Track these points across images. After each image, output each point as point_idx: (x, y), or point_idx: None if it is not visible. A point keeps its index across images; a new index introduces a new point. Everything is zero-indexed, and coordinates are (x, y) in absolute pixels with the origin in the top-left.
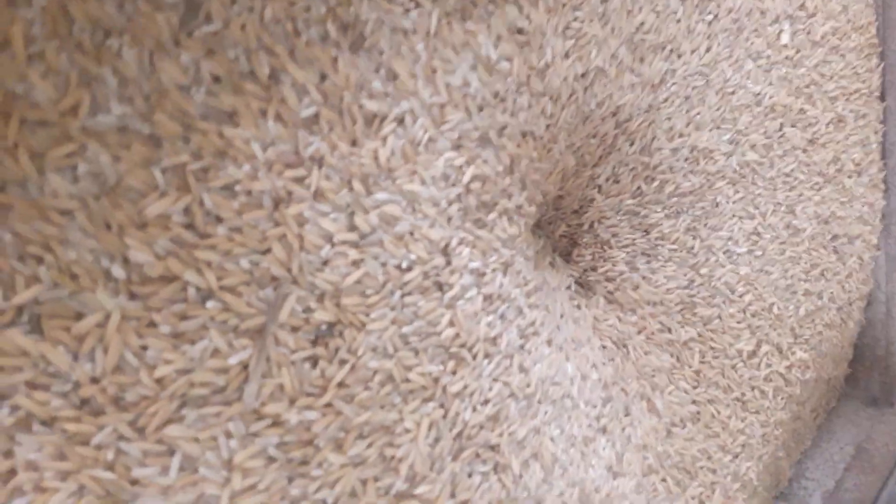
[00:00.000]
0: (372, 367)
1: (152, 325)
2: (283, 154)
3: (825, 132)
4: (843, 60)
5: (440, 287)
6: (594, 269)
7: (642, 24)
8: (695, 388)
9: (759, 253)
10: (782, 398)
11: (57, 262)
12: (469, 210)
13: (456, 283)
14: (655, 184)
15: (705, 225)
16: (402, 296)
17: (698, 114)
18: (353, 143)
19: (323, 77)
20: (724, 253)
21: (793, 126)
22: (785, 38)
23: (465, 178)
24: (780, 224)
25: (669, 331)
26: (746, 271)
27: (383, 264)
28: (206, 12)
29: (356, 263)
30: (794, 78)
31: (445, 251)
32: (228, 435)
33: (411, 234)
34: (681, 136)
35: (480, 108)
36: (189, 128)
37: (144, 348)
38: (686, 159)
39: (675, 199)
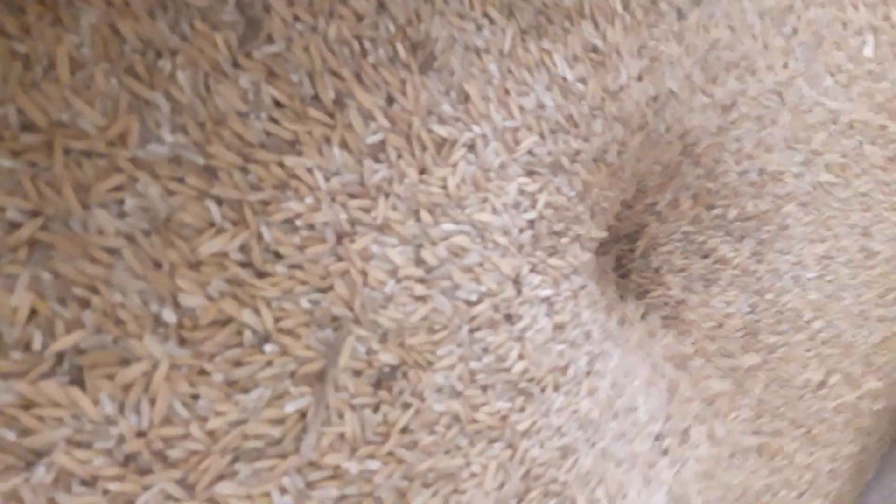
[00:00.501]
0: (437, 410)
1: (204, 372)
2: (349, 184)
3: None
4: None
5: (510, 319)
6: (647, 292)
7: (717, 41)
8: (758, 418)
9: (830, 277)
10: (852, 430)
11: (102, 305)
12: (541, 237)
13: (526, 314)
14: (717, 210)
15: (772, 248)
16: (471, 331)
17: (769, 133)
18: (422, 171)
19: (391, 101)
20: (791, 277)
21: (872, 143)
22: (868, 51)
23: (539, 205)
24: (853, 247)
25: (730, 356)
26: (816, 297)
27: (451, 298)
28: (268, 32)
29: (422, 299)
30: (876, 93)
31: (517, 281)
32: (283, 491)
33: (481, 265)
34: (749, 158)
35: (554, 132)
36: (248, 158)
37: (195, 398)
38: (753, 183)
39: (738, 223)
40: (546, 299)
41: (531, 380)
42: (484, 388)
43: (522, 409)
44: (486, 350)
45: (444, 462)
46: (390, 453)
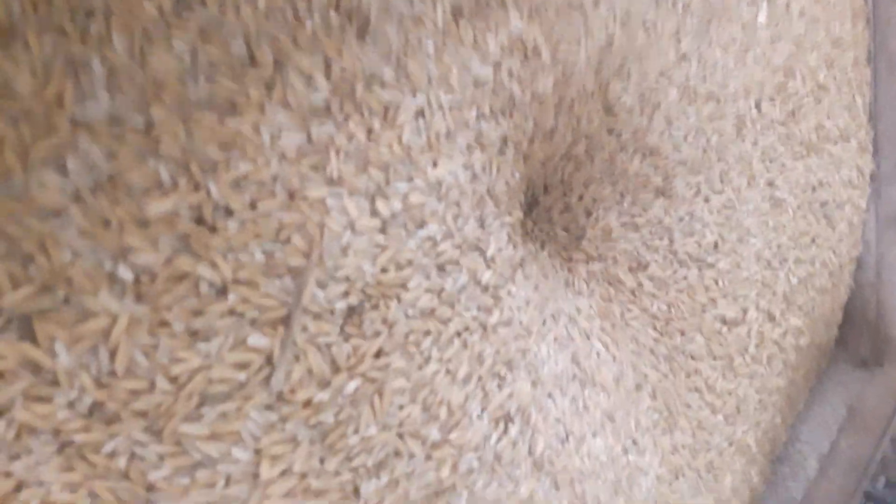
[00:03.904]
0: (407, 330)
1: (164, 324)
2: (296, 143)
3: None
4: (824, 28)
5: (477, 248)
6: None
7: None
8: (673, 351)
9: (733, 225)
10: (779, 364)
11: (50, 263)
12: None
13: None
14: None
15: (672, 205)
16: (438, 266)
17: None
18: (370, 131)
19: (329, 64)
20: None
21: (770, 101)
22: (762, 18)
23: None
24: (758, 196)
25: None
26: (718, 241)
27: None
28: None
29: (383, 246)
30: (773, 55)
31: (480, 220)
32: (253, 427)
33: (436, 213)
34: (635, 139)
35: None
36: (188, 119)
37: (156, 348)
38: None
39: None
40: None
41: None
42: (452, 305)
43: (490, 311)
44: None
45: (418, 374)
46: (363, 375)
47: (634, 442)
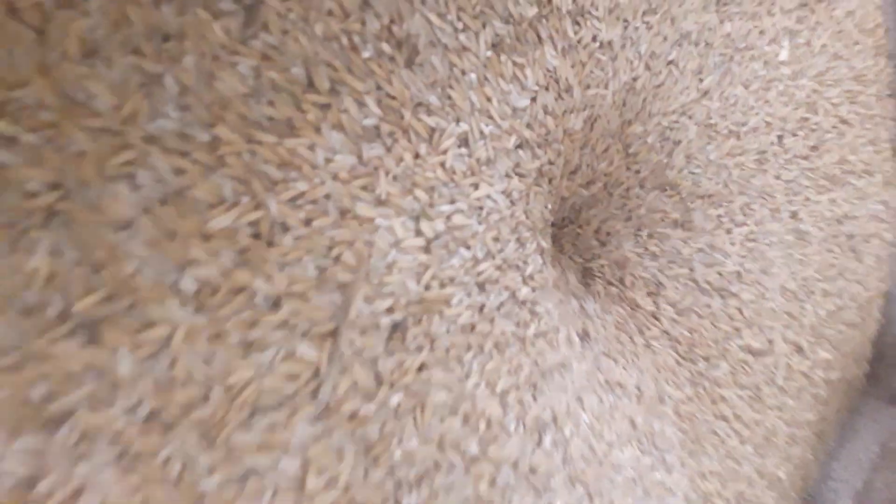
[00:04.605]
0: (448, 345)
1: (221, 335)
2: (348, 164)
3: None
4: (846, 65)
5: (517, 268)
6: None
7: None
8: (698, 376)
9: (755, 256)
10: (808, 398)
11: (118, 272)
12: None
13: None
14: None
15: (693, 233)
16: (478, 284)
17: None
18: (416, 156)
19: (380, 90)
20: (715, 254)
21: (793, 135)
22: (783, 56)
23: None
24: (781, 230)
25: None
26: (741, 271)
27: (458, 257)
28: (264, 22)
29: (425, 265)
30: (795, 90)
31: (519, 240)
32: (300, 438)
33: (476, 235)
34: (653, 174)
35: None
36: (251, 139)
37: (213, 358)
38: (670, 187)
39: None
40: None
41: (533, 302)
42: (492, 320)
43: (527, 325)
44: (495, 290)
45: (459, 387)
46: (407, 388)
47: (662, 459)
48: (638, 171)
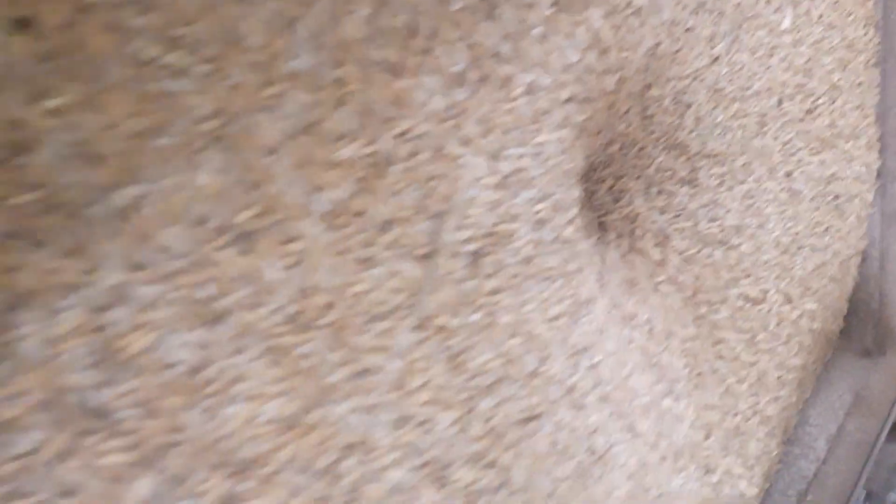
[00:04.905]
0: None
1: (345, 251)
2: (441, 105)
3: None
4: (840, 34)
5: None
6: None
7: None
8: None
9: (754, 212)
10: (795, 345)
11: (268, 191)
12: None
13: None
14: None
15: (700, 193)
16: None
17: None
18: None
19: (467, 38)
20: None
21: (791, 100)
22: (786, 24)
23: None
24: (777, 187)
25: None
26: (741, 224)
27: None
28: None
29: (497, 202)
30: (795, 57)
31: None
32: (403, 344)
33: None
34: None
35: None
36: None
37: (337, 271)
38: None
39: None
40: None
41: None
42: (546, 255)
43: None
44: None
45: (521, 311)
46: (482, 308)
47: (671, 388)
48: (652, 132)
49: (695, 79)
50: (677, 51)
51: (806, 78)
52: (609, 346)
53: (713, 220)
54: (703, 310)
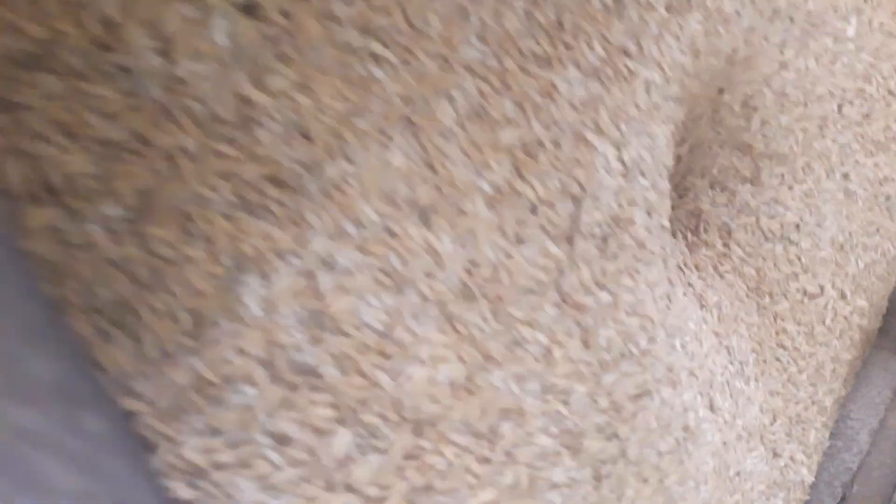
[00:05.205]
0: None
1: (501, 231)
2: (581, 96)
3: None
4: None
5: None
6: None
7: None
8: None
9: (812, 210)
10: (847, 340)
11: (443, 173)
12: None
13: None
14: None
15: (763, 189)
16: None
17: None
18: (622, 92)
19: (602, 36)
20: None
21: (850, 104)
22: (850, 32)
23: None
24: (834, 187)
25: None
26: (800, 222)
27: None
28: None
29: (623, 189)
30: (856, 63)
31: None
32: (548, 318)
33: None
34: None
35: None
36: (524, 69)
37: (497, 246)
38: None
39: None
40: None
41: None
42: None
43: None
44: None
45: (636, 292)
46: (608, 289)
47: (741, 370)
48: (718, 133)
49: (763, 83)
50: (750, 57)
51: (865, 83)
52: (691, 325)
53: (774, 216)
54: (766, 300)
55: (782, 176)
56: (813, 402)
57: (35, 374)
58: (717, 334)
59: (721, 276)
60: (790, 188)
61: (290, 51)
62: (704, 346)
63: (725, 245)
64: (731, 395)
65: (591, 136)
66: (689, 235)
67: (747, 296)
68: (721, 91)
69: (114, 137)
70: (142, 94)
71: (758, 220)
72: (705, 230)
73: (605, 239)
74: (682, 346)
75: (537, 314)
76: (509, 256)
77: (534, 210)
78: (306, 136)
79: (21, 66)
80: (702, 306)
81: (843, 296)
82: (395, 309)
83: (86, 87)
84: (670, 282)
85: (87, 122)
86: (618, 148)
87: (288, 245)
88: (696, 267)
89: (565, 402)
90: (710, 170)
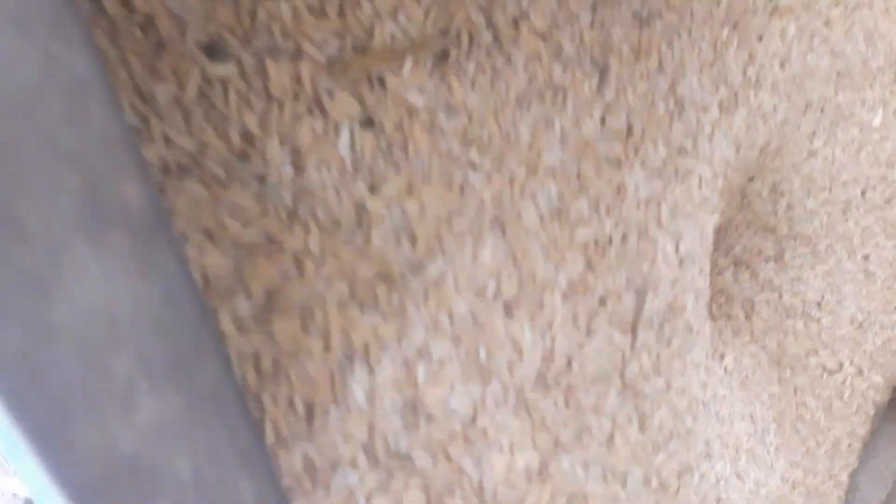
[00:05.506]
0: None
1: (575, 319)
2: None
3: None
4: None
5: None
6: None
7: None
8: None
9: (833, 290)
10: (863, 415)
11: (527, 267)
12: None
13: None
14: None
15: (787, 267)
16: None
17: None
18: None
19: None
20: (800, 283)
21: (873, 189)
22: (876, 122)
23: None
24: (855, 268)
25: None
26: (822, 301)
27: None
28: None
29: (678, 279)
30: (880, 152)
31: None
32: (611, 404)
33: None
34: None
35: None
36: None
37: (569, 340)
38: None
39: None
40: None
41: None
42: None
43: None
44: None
45: (684, 374)
46: (663, 374)
47: (763, 438)
48: (745, 216)
49: (792, 171)
50: (781, 147)
51: (888, 170)
52: (721, 392)
53: (796, 294)
54: (787, 373)
55: (805, 256)
56: (830, 476)
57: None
58: (741, 401)
59: (743, 349)
60: (812, 268)
61: (400, 160)
62: (731, 413)
63: (748, 318)
64: (755, 462)
65: (653, 231)
66: (713, 307)
67: (770, 368)
68: (752, 179)
69: (248, 240)
70: (274, 201)
71: (780, 297)
72: (728, 303)
73: (661, 326)
74: (717, 416)
75: (602, 402)
76: (581, 347)
77: (603, 302)
78: (412, 238)
79: (171, 174)
80: (727, 374)
81: (860, 372)
82: (480, 397)
83: (225, 194)
84: (707, 355)
85: (225, 225)
86: (675, 241)
87: (391, 337)
88: (720, 337)
89: (623, 484)
90: (732, 249)
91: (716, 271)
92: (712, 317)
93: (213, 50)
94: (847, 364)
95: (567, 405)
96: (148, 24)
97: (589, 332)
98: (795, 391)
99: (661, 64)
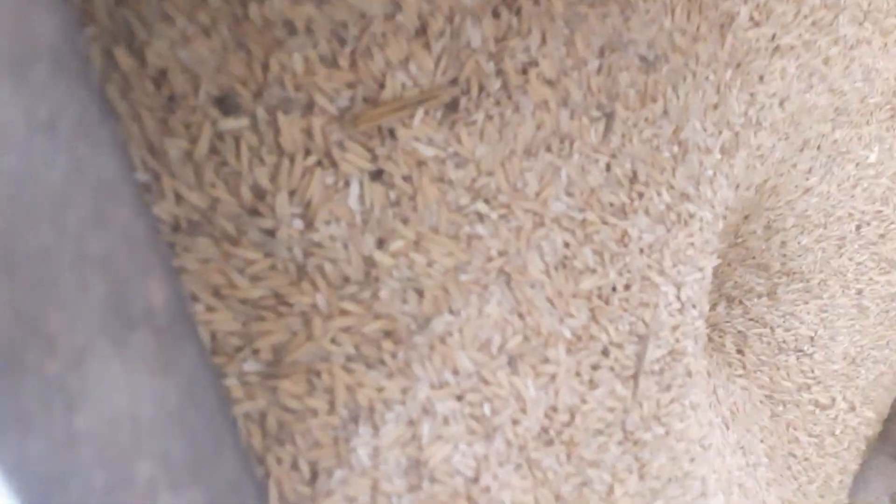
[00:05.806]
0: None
1: (577, 374)
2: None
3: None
4: None
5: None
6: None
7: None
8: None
9: (827, 325)
10: (854, 451)
11: (532, 318)
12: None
13: None
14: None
15: (780, 302)
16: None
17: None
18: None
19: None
20: (794, 320)
21: (868, 225)
22: (872, 158)
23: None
24: (849, 303)
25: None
26: (815, 336)
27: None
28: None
29: (678, 326)
30: (875, 188)
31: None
32: (611, 458)
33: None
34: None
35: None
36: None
37: (574, 394)
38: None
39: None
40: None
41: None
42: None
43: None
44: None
45: (683, 417)
46: (661, 421)
47: (754, 472)
48: (738, 254)
49: (786, 207)
50: (777, 185)
51: (883, 205)
52: (715, 425)
53: (788, 329)
54: (779, 409)
55: (798, 292)
56: None
57: None
58: (733, 433)
59: (735, 381)
60: (805, 303)
61: (409, 212)
62: (725, 446)
63: (740, 352)
64: (746, 496)
65: (655, 278)
66: (707, 342)
67: (762, 402)
68: (746, 217)
69: (256, 297)
70: (283, 256)
71: (773, 332)
72: (720, 338)
73: (661, 372)
74: (711, 450)
75: (603, 455)
76: (584, 401)
77: (605, 353)
78: (419, 293)
79: (181, 231)
80: (719, 405)
81: (852, 408)
82: (484, 455)
83: (235, 250)
84: (705, 396)
85: (234, 282)
86: (677, 286)
87: (396, 395)
88: (713, 371)
89: None
90: (724, 285)
91: (708, 306)
92: (708, 354)
93: (226, 103)
94: (839, 399)
95: (569, 459)
96: (160, 78)
97: (591, 385)
98: (787, 426)
99: (665, 108)
